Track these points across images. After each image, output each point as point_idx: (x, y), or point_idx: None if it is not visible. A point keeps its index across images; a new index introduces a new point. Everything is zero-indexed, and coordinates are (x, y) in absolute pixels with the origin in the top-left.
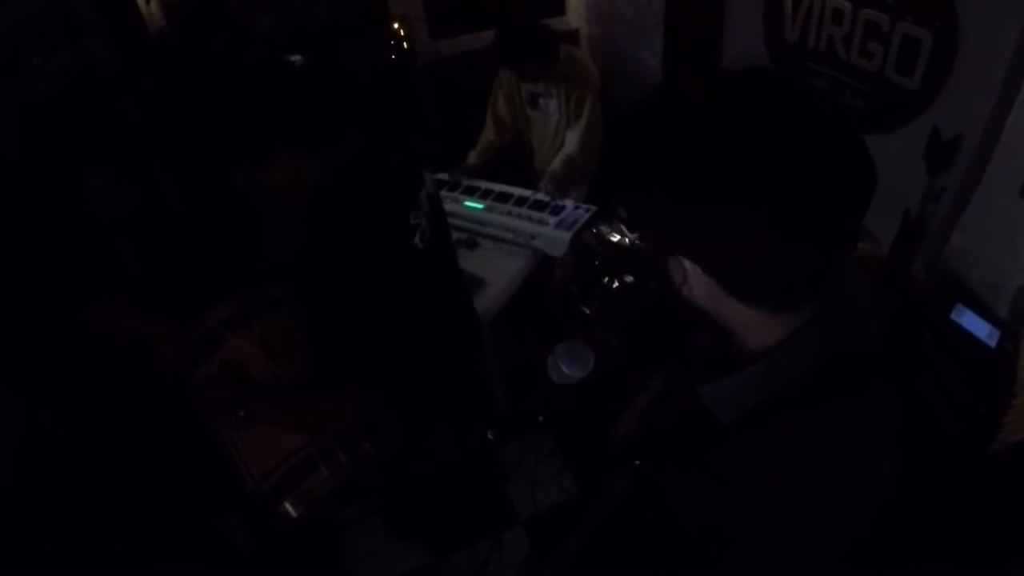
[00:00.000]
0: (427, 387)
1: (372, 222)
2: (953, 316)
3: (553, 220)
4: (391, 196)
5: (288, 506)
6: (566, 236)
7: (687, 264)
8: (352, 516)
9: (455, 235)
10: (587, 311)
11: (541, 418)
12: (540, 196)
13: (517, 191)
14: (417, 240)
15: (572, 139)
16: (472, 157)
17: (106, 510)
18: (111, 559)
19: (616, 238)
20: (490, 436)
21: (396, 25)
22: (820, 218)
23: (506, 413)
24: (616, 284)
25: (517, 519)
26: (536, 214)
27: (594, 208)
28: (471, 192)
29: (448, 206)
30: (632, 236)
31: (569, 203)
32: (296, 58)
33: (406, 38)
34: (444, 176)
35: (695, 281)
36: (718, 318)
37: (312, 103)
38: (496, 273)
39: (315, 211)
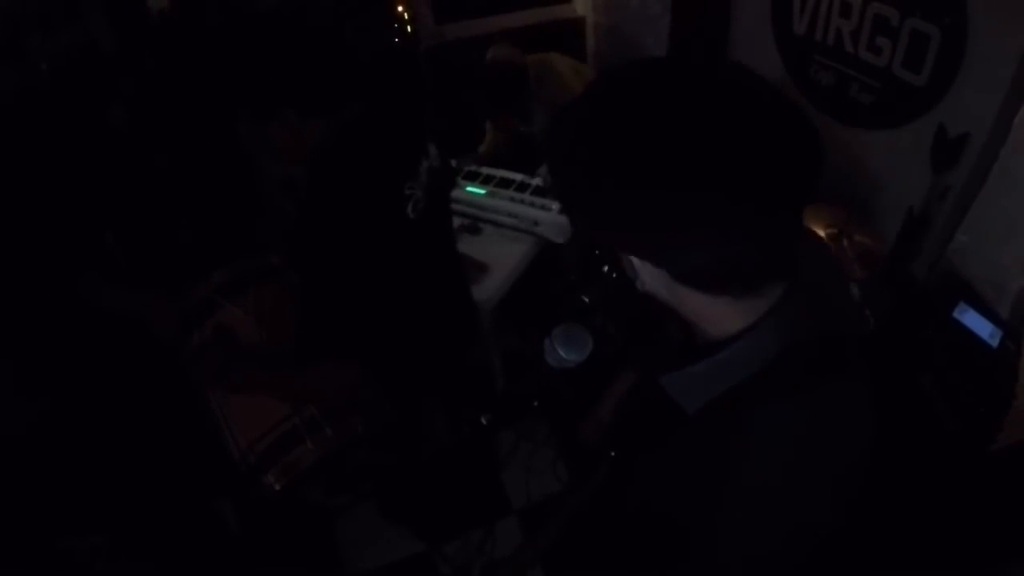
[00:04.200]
0: (417, 362)
1: (366, 187)
2: (956, 314)
3: (556, 206)
4: (388, 163)
5: (272, 478)
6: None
7: (635, 259)
8: (345, 503)
9: (457, 221)
10: (586, 300)
11: (536, 403)
12: (542, 182)
13: (519, 177)
14: (409, 210)
15: None
16: (483, 148)
17: (99, 489)
18: (102, 540)
19: None
20: (483, 421)
21: (400, 8)
22: (761, 204)
23: (501, 398)
24: (615, 274)
25: (511, 508)
26: (539, 200)
27: None
28: (473, 177)
29: None
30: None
31: None
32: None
33: (410, 22)
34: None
35: (647, 275)
36: (679, 310)
37: (323, 65)
38: (499, 259)
39: (314, 173)
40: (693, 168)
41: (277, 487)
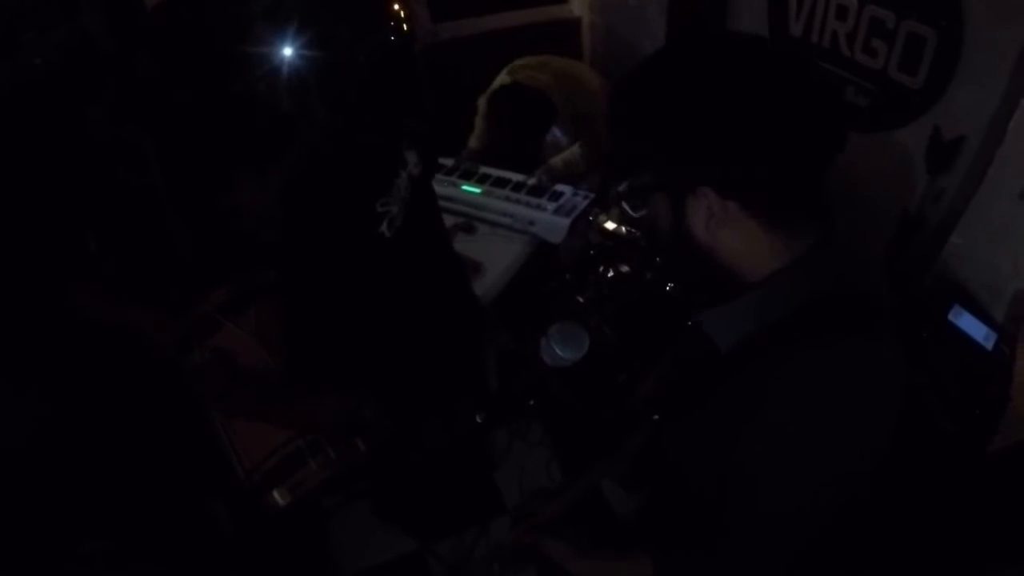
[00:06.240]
0: (418, 380)
1: (332, 211)
2: (951, 317)
3: (552, 206)
4: (355, 184)
5: (276, 495)
6: (565, 222)
7: (709, 194)
8: (338, 501)
9: (452, 220)
10: (581, 300)
11: (532, 402)
12: (537, 180)
13: (515, 176)
14: (384, 228)
15: (578, 148)
16: (472, 142)
17: (98, 495)
18: (96, 540)
19: (612, 226)
20: (478, 419)
21: (396, 6)
22: (804, 132)
23: (496, 396)
24: (611, 273)
25: (504, 508)
26: (534, 199)
27: (593, 195)
28: (468, 176)
29: (445, 190)
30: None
31: (568, 189)
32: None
33: (406, 20)
34: (447, 162)
35: (700, 212)
36: (718, 253)
37: (263, 123)
38: (494, 258)
39: (286, 212)
40: (756, 100)
41: (282, 503)
